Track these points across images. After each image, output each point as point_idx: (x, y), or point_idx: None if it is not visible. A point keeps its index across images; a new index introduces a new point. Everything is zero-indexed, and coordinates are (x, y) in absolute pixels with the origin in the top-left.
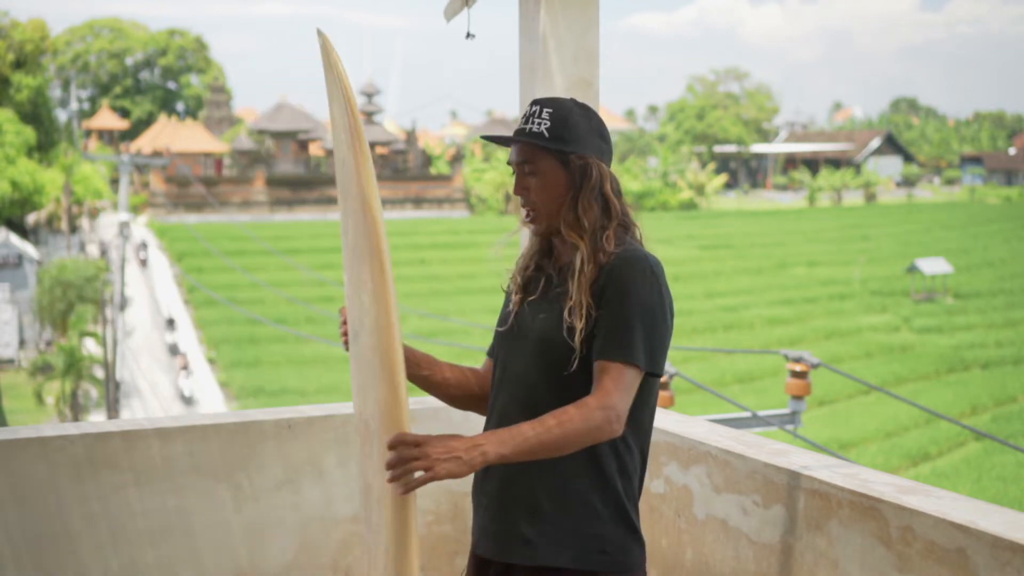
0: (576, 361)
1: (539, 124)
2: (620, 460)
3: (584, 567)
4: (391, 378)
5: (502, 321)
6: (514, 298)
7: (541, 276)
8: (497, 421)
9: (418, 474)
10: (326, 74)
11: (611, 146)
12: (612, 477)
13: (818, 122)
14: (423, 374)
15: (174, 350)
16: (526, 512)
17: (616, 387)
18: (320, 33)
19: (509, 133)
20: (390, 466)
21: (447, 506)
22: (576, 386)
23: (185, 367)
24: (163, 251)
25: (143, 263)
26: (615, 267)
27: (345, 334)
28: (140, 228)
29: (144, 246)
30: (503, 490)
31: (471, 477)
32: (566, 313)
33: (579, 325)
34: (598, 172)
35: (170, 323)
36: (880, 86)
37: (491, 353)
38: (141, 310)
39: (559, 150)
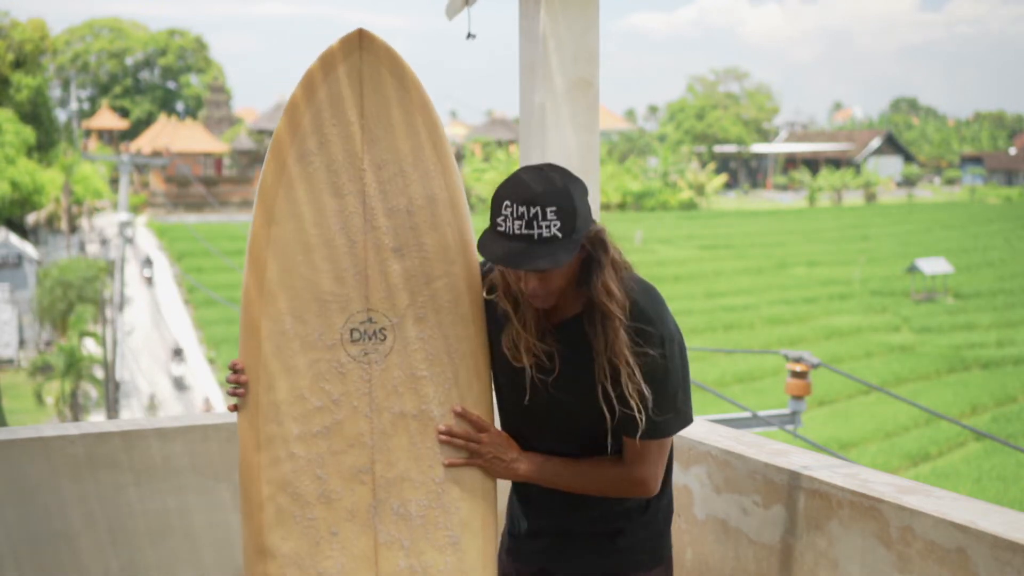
0: (611, 436)
1: (548, 227)
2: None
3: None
4: (478, 321)
5: (519, 394)
6: (526, 369)
7: (552, 349)
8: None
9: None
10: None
11: None
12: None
13: (818, 122)
14: None
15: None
16: (580, 524)
17: (649, 461)
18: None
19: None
20: (451, 433)
21: None
22: (603, 440)
23: (178, 352)
24: (163, 251)
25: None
26: (643, 343)
27: (237, 387)
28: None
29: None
30: (555, 507)
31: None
32: (602, 392)
33: (630, 402)
34: (607, 238)
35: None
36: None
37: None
38: (142, 313)
39: (576, 244)
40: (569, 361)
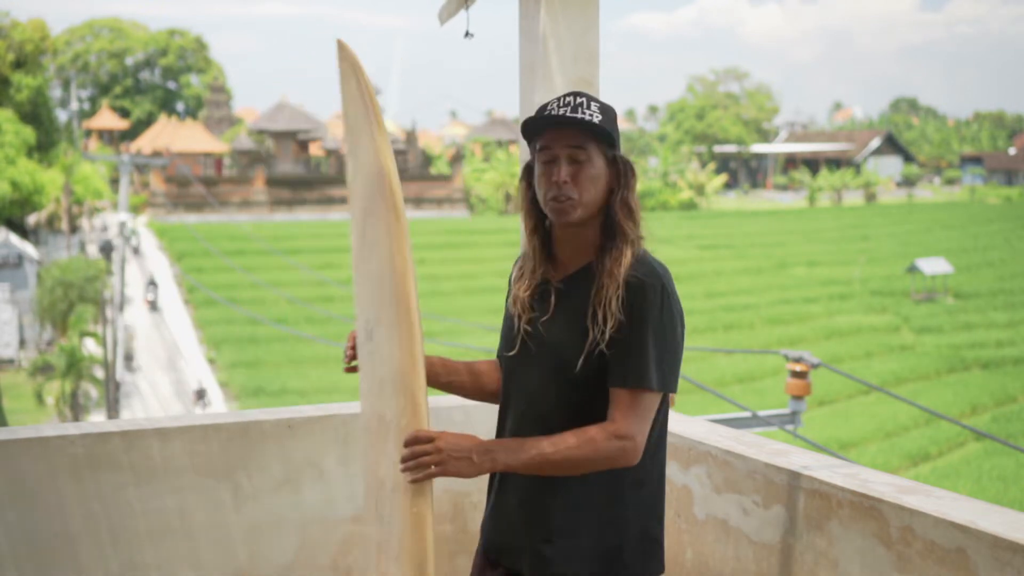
0: (591, 373)
1: (591, 115)
2: (634, 471)
3: None
4: (411, 371)
5: (509, 345)
6: (522, 319)
7: (549, 290)
8: (509, 436)
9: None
10: (346, 78)
11: None
12: (625, 489)
13: (818, 122)
14: (442, 381)
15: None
16: (543, 530)
17: (633, 414)
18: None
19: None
20: (404, 460)
21: (447, 506)
22: (593, 402)
23: (201, 394)
24: (163, 251)
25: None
26: (632, 289)
27: (351, 356)
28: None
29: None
30: (520, 507)
31: (483, 479)
32: (591, 330)
33: (603, 331)
34: (635, 177)
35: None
36: (880, 86)
37: (497, 354)
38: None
39: (610, 145)
40: (565, 302)
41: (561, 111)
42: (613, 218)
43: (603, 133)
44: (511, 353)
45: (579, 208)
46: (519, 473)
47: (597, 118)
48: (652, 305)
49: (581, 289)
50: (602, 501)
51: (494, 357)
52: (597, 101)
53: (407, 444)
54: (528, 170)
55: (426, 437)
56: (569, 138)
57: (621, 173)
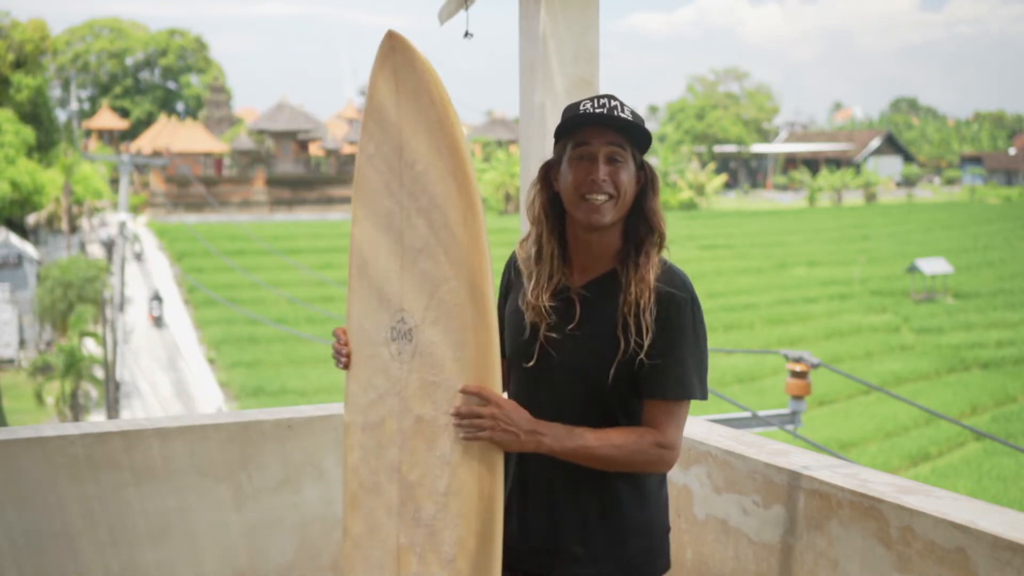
0: (620, 383)
1: (628, 118)
2: (660, 473)
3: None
4: (488, 375)
5: (526, 356)
6: (541, 328)
7: (571, 297)
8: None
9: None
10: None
11: None
12: (653, 487)
13: (818, 122)
14: None
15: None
16: (575, 531)
17: (674, 424)
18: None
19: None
20: (461, 414)
21: None
22: (621, 409)
23: (157, 299)
24: (163, 251)
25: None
26: (664, 299)
27: (344, 353)
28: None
29: (158, 299)
30: (550, 510)
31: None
32: (622, 338)
33: (636, 342)
34: (659, 185)
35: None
36: (880, 86)
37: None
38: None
39: (642, 150)
40: (592, 313)
41: (599, 111)
42: (646, 222)
43: (644, 135)
44: (529, 364)
45: (614, 209)
46: (545, 468)
47: (631, 118)
48: (686, 315)
49: (608, 296)
50: (634, 503)
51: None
52: (630, 107)
53: (467, 394)
54: (548, 169)
55: (487, 397)
56: (610, 136)
57: (649, 179)
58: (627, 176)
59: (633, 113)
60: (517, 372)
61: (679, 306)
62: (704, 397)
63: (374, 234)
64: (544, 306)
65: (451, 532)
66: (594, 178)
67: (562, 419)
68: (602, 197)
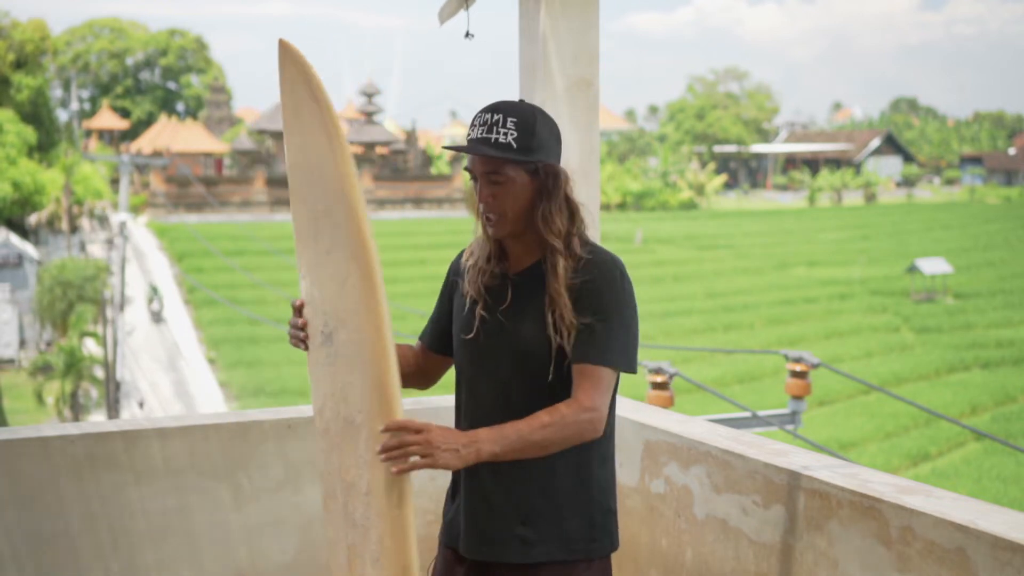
0: (554, 367)
1: (505, 134)
2: (600, 448)
3: (575, 557)
4: (384, 370)
5: (465, 328)
6: (476, 304)
7: (506, 283)
8: (471, 425)
9: (413, 459)
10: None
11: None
12: (593, 466)
13: (818, 122)
14: None
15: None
16: (519, 513)
17: (597, 389)
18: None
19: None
20: (387, 448)
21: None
22: (556, 391)
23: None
24: (163, 251)
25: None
26: (589, 272)
27: (302, 336)
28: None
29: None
30: (494, 493)
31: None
32: (551, 323)
33: (565, 335)
34: (564, 179)
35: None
36: (880, 86)
37: (423, 339)
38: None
39: (528, 161)
40: (525, 297)
41: (476, 133)
42: (545, 225)
43: (524, 146)
44: (469, 336)
45: (506, 224)
46: (488, 463)
47: (512, 135)
48: (610, 282)
49: (534, 285)
50: (575, 481)
51: (417, 340)
52: (516, 113)
53: (391, 429)
54: None
55: (415, 427)
56: (482, 164)
57: (543, 184)
58: (511, 192)
59: (519, 121)
60: (460, 349)
61: (603, 272)
62: (631, 370)
63: (304, 233)
64: (481, 285)
65: (375, 531)
66: (481, 200)
67: (506, 392)
68: (492, 216)
